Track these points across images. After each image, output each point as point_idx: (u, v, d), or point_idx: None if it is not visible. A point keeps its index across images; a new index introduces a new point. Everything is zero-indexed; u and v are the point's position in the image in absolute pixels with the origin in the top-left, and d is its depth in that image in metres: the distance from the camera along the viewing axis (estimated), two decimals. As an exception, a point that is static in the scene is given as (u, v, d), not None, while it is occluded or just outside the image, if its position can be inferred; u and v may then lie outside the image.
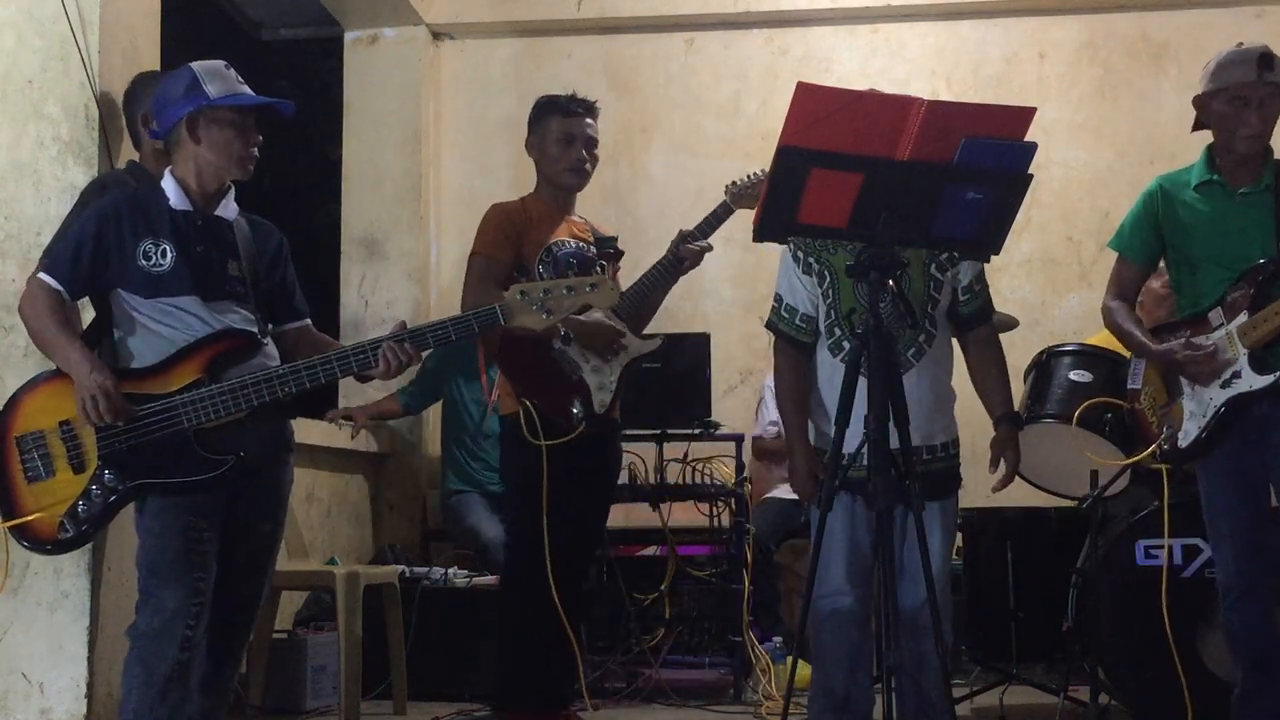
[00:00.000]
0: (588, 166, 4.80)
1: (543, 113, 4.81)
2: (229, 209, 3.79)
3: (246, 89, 3.75)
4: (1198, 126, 4.18)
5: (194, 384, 3.58)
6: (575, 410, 4.60)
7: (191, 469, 3.57)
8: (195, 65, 3.75)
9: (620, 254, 4.95)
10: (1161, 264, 4.30)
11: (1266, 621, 3.98)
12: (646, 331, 4.95)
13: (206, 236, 3.72)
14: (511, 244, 4.65)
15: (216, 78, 3.71)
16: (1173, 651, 4.33)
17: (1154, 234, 4.16)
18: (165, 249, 3.66)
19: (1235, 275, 4.00)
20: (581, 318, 4.52)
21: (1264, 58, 3.99)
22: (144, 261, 3.65)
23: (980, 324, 3.97)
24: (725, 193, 4.97)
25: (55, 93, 4.50)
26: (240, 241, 3.78)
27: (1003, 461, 3.91)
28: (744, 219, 3.86)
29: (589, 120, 4.80)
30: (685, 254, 4.86)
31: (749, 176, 4.94)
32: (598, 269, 4.69)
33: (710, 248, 4.93)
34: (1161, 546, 4.50)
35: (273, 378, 3.60)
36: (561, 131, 4.74)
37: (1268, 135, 4.05)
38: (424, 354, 4.23)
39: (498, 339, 4.60)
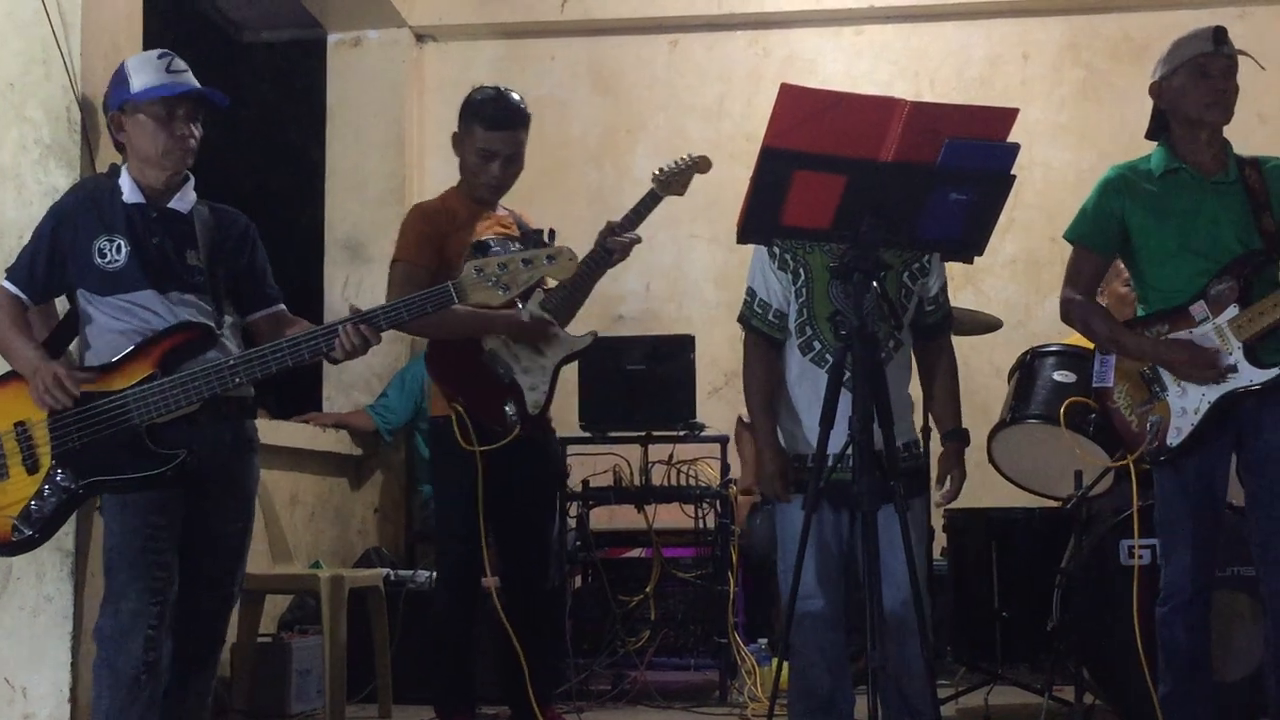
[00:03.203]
0: (505, 183, 4.65)
1: (468, 117, 4.62)
2: (184, 201, 3.76)
3: (185, 78, 3.72)
4: (1154, 126, 4.17)
5: (147, 379, 3.55)
6: (509, 412, 4.49)
7: (143, 465, 3.54)
8: (131, 58, 3.76)
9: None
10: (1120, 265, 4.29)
11: (1204, 627, 4.01)
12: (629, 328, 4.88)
13: (161, 228, 3.70)
14: (434, 247, 4.52)
15: (145, 70, 3.69)
16: (1139, 650, 4.32)
17: (1116, 224, 4.10)
18: (119, 244, 3.65)
19: (1215, 267, 3.99)
20: (510, 311, 4.41)
21: (1218, 32, 4.02)
22: (99, 259, 3.64)
23: (941, 334, 3.99)
24: (652, 180, 4.82)
25: (37, 95, 4.48)
26: (200, 230, 3.75)
27: (949, 479, 3.91)
28: (752, 219, 3.84)
29: (516, 133, 4.62)
30: (614, 246, 4.66)
31: (675, 163, 4.84)
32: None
33: (639, 239, 4.73)
34: (1147, 546, 4.49)
35: (223, 368, 3.56)
36: (483, 145, 4.58)
37: (1230, 107, 4.02)
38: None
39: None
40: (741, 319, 3.97)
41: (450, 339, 4.52)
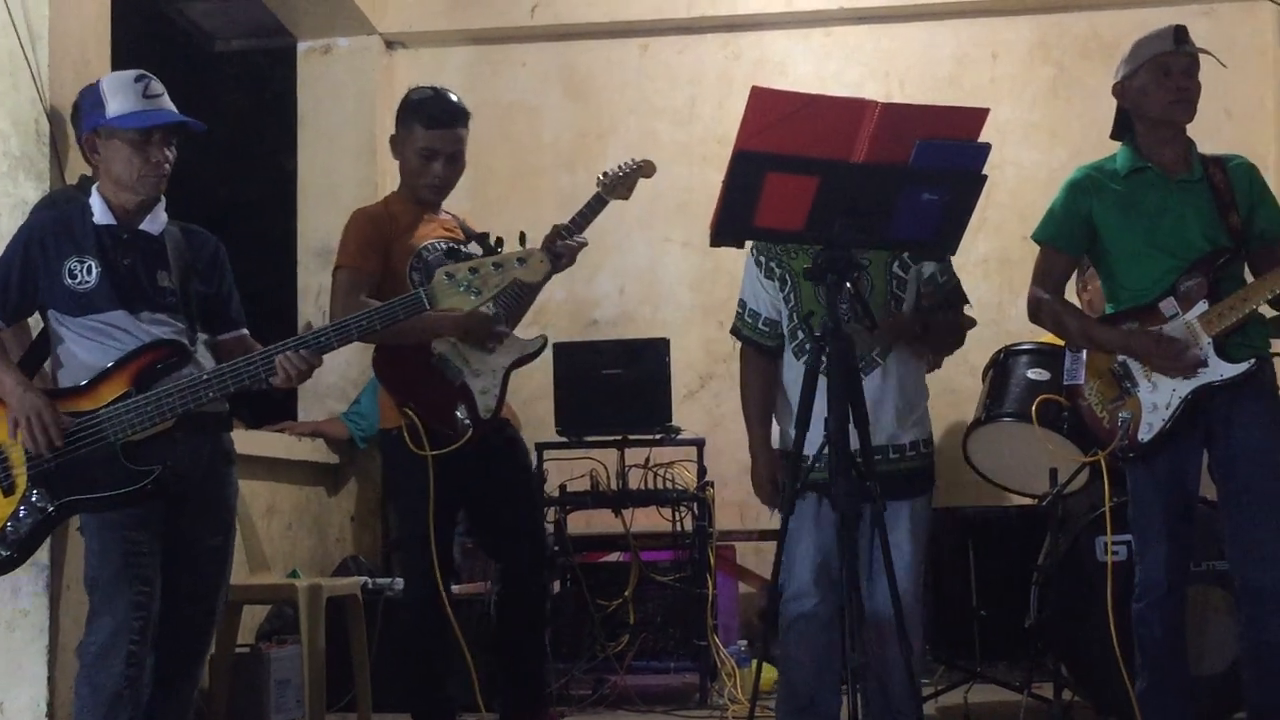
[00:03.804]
0: (449, 182, 4.63)
1: (408, 116, 4.59)
2: (156, 222, 3.76)
3: (162, 102, 3.71)
4: (1118, 126, 4.19)
5: (122, 397, 3.55)
6: (460, 416, 4.44)
7: (120, 482, 3.54)
8: (106, 79, 3.75)
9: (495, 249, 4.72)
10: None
11: (1179, 622, 4.04)
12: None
13: (133, 250, 3.70)
14: (378, 252, 4.48)
15: (121, 92, 3.68)
16: (1115, 646, 4.34)
17: (1084, 224, 4.13)
18: (90, 266, 3.65)
19: (1183, 264, 4.01)
20: (456, 314, 4.35)
21: (1179, 30, 4.06)
22: (70, 280, 3.64)
23: (949, 311, 3.97)
24: (597, 184, 4.81)
25: (5, 107, 4.45)
26: (172, 251, 3.75)
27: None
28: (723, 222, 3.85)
29: (456, 131, 4.58)
30: (562, 250, 4.62)
31: (620, 167, 4.84)
32: None
33: (585, 243, 4.70)
34: (1121, 542, 4.51)
35: (196, 383, 3.56)
36: (424, 145, 4.54)
37: (1192, 106, 4.05)
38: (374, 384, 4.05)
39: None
40: (734, 330, 4.00)
41: (397, 344, 4.48)
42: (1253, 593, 3.96)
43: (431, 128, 4.55)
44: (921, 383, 3.92)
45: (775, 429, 3.94)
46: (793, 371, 3.86)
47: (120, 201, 3.72)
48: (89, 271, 3.65)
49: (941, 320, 3.93)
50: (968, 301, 4.02)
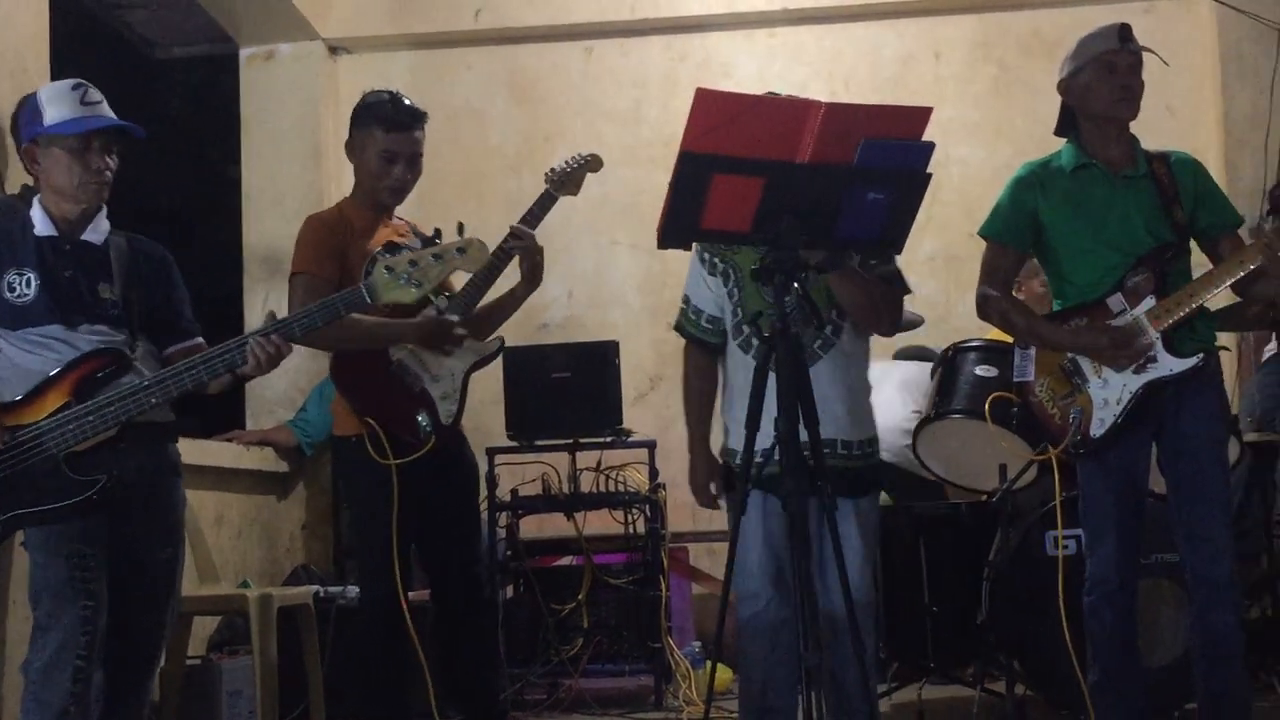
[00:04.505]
0: (408, 184, 4.60)
1: (366, 120, 4.55)
2: (98, 232, 3.72)
3: (100, 109, 3.68)
4: (1062, 122, 4.22)
5: (62, 408, 3.51)
6: (422, 423, 4.39)
7: (64, 494, 3.49)
8: (43, 89, 3.71)
9: (434, 241, 4.68)
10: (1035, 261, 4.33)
11: (1130, 614, 4.06)
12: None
13: (74, 261, 3.66)
14: (334, 257, 4.43)
15: (58, 101, 3.64)
16: (1064, 639, 4.36)
17: (1030, 220, 4.15)
18: (29, 278, 3.61)
19: (1129, 260, 4.04)
20: (414, 320, 4.38)
21: (1124, 29, 4.09)
22: (8, 293, 3.61)
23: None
24: (546, 181, 4.78)
25: (-57, 117, 4.41)
26: (115, 261, 3.72)
27: None
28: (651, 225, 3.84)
29: (415, 133, 4.56)
30: (514, 248, 4.59)
31: (567, 162, 4.81)
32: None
33: (531, 235, 4.61)
34: (1072, 536, 4.55)
35: (138, 390, 3.51)
36: (385, 148, 4.51)
37: (1137, 103, 4.08)
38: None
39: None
40: (677, 327, 3.99)
41: (356, 350, 4.45)
42: (1202, 584, 3.99)
43: (392, 131, 4.52)
44: (865, 381, 3.92)
45: (721, 427, 3.93)
46: (739, 366, 3.86)
47: (62, 212, 3.68)
48: (28, 284, 3.61)
49: (879, 275, 3.85)
50: (909, 291, 4.01)
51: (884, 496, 5.95)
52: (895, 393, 5.58)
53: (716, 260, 3.88)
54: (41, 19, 4.75)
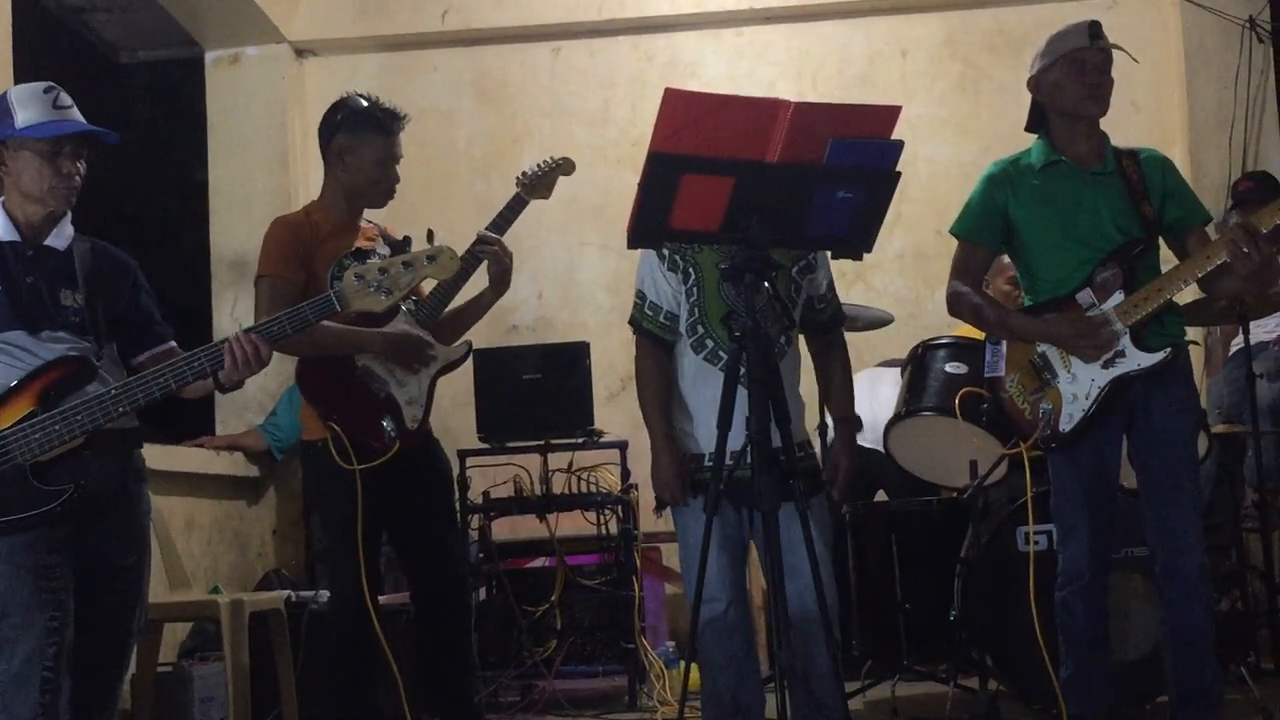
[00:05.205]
0: (396, 186, 4.64)
1: (360, 127, 4.55)
2: (61, 237, 3.68)
3: (72, 114, 3.64)
4: (1032, 119, 4.24)
5: (27, 416, 3.47)
6: (387, 428, 4.39)
7: (30, 504, 3.45)
8: (14, 90, 3.67)
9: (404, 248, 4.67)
10: (1005, 259, 4.34)
11: (1102, 608, 4.09)
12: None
13: (36, 267, 3.63)
14: (300, 262, 4.42)
15: (30, 104, 3.60)
16: (1036, 634, 4.38)
17: (1000, 217, 4.16)
18: None
19: (1099, 255, 4.06)
20: (385, 330, 4.40)
21: (1094, 26, 4.10)
22: None
23: (833, 330, 4.05)
24: (517, 184, 4.80)
25: (-94, 124, 4.37)
26: (79, 267, 3.69)
27: (839, 469, 3.95)
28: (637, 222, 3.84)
29: (400, 136, 4.61)
30: (484, 253, 4.61)
31: (538, 166, 4.83)
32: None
33: (499, 241, 4.64)
34: (1043, 532, 4.56)
35: (105, 398, 3.47)
36: (384, 153, 4.53)
37: (1106, 100, 4.09)
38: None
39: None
40: (632, 322, 3.97)
41: (323, 356, 4.43)
42: (1173, 577, 4.01)
43: (389, 135, 4.56)
44: (798, 390, 3.93)
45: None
46: (690, 367, 3.86)
47: (26, 216, 3.65)
48: None
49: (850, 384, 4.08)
50: (843, 321, 4.09)
51: (881, 494, 6.00)
52: (894, 392, 5.59)
53: (677, 257, 3.86)
54: (3, 22, 4.72)
